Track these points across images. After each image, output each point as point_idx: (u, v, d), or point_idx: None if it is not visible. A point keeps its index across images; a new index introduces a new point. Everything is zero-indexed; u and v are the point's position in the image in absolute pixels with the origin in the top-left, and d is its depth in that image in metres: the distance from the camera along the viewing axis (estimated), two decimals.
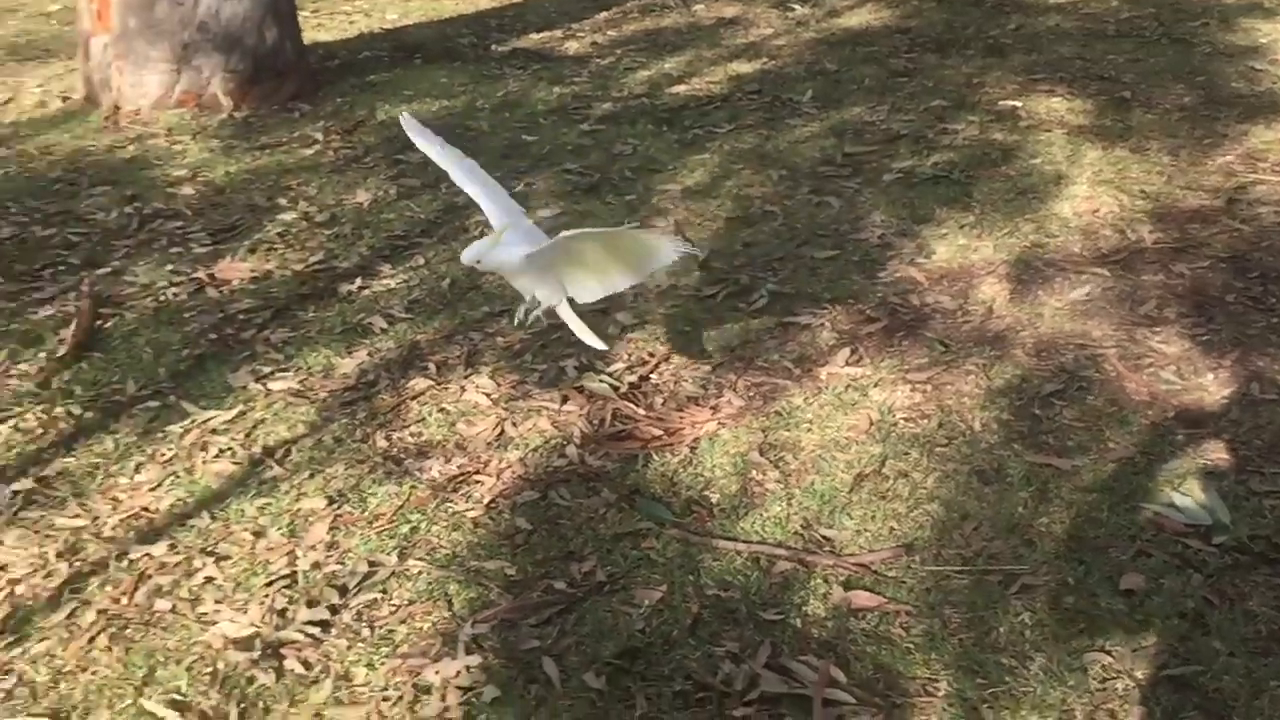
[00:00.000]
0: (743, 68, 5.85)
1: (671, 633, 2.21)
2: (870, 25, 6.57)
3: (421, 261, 3.80)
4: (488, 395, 3.01)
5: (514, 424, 2.89)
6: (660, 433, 2.83)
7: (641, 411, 2.92)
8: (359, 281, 3.66)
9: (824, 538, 2.46)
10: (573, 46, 6.42)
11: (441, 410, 2.96)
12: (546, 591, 2.33)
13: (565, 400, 2.97)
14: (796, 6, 7.01)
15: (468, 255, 2.69)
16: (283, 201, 4.33)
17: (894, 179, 4.31)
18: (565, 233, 2.50)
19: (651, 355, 3.17)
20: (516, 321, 2.84)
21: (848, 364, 3.10)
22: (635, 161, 4.63)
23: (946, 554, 2.40)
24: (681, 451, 2.76)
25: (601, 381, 3.03)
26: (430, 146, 3.01)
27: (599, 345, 2.85)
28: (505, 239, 2.67)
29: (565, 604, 2.29)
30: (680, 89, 5.55)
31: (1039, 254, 3.67)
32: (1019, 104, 5.04)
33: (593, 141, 4.87)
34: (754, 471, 2.68)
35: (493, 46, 6.43)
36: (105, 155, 4.82)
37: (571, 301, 2.77)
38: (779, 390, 2.99)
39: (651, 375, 3.08)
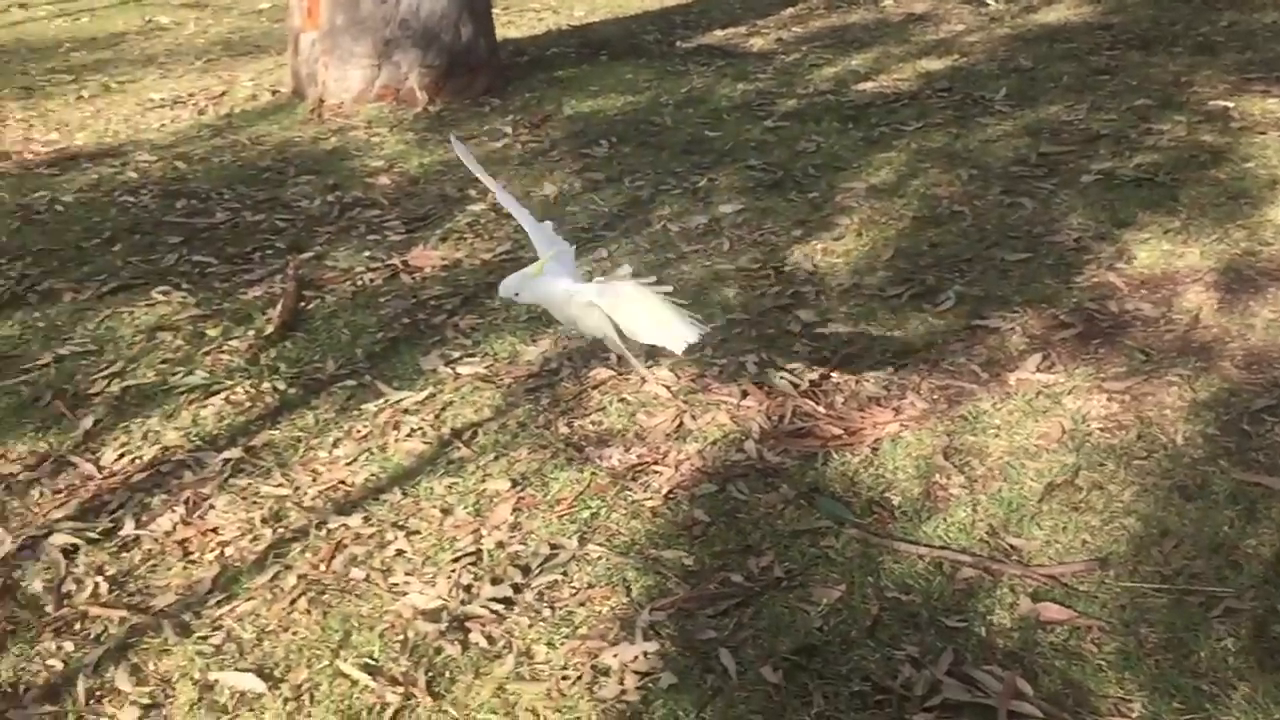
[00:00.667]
0: (932, 64, 5.73)
1: (850, 632, 2.18)
2: (1069, 21, 6.33)
3: (604, 254, 3.86)
4: (667, 387, 3.03)
5: (693, 417, 2.90)
6: (840, 432, 2.80)
7: (822, 410, 2.89)
8: None
9: (1011, 546, 2.38)
10: (757, 43, 6.41)
11: (622, 400, 3.00)
12: (724, 584, 2.33)
13: (744, 395, 2.97)
14: (990, 2, 6.81)
15: (506, 286, 2.68)
16: (472, 193, 4.46)
17: (1093, 180, 4.14)
18: (602, 279, 2.50)
19: (833, 353, 3.14)
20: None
21: (1039, 370, 2.99)
22: (819, 159, 4.59)
23: (1144, 571, 2.29)
24: (862, 451, 2.72)
25: (781, 378, 3.02)
26: (479, 170, 3.02)
27: (645, 374, 2.87)
28: (548, 270, 2.63)
29: (742, 597, 2.28)
30: (867, 86, 5.48)
31: (1251, 262, 3.46)
32: (1230, 104, 4.77)
33: (776, 138, 4.85)
34: (938, 475, 2.62)
35: (677, 43, 6.48)
36: (310, 146, 5.08)
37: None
38: (965, 394, 2.92)
39: (832, 374, 3.04)
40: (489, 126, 5.20)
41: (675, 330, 2.56)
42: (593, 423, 2.91)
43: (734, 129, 4.99)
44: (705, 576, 2.36)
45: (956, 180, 4.26)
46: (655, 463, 2.74)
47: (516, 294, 2.72)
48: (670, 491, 2.63)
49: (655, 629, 2.22)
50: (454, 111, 5.41)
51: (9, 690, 2.14)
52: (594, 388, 3.06)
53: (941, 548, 2.39)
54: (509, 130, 5.12)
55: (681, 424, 2.88)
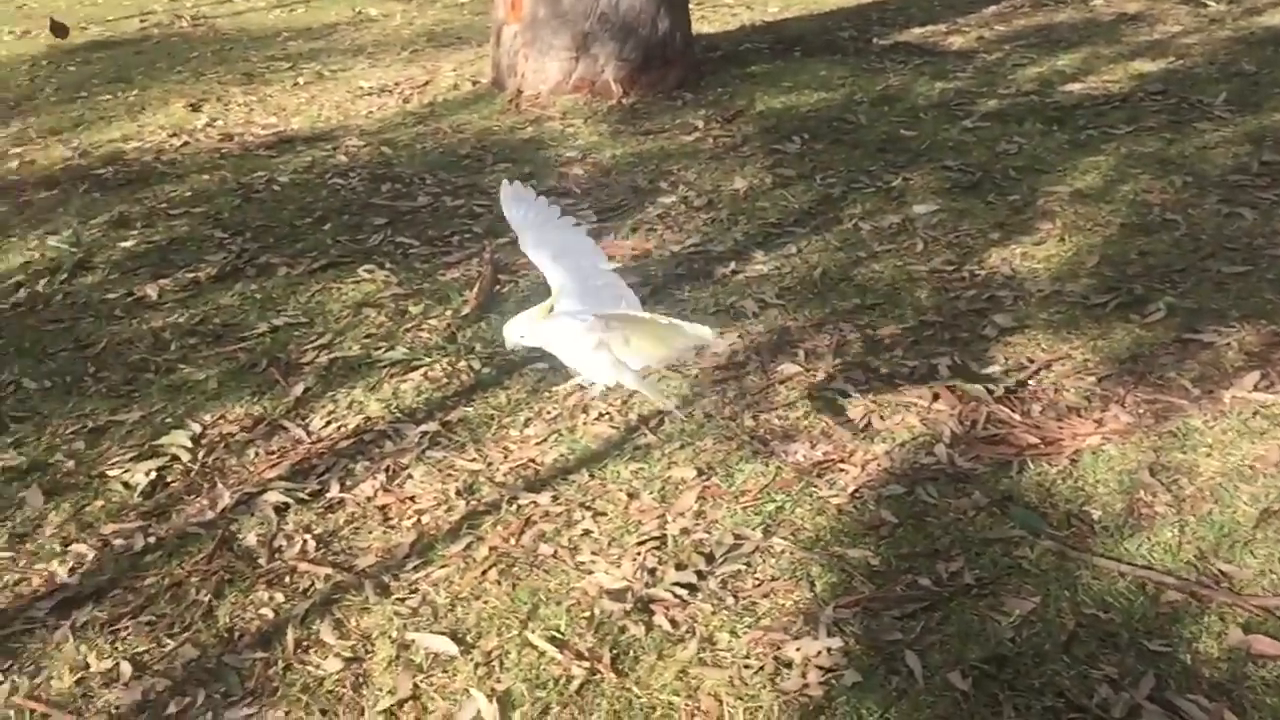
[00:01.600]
0: (1146, 66, 5.47)
1: (1044, 646, 2.11)
2: None
3: (794, 250, 3.84)
4: (856, 386, 2.99)
5: (881, 417, 2.86)
6: (1037, 441, 2.71)
7: (1017, 417, 2.80)
8: (733, 265, 3.75)
9: (1221, 573, 2.26)
10: (957, 41, 6.25)
11: (809, 397, 2.98)
12: (911, 586, 2.29)
13: (936, 398, 2.90)
14: (1210, 3, 6.46)
15: (512, 329, 2.45)
16: (664, 185, 4.50)
17: None
18: (601, 314, 2.37)
19: (1031, 361, 3.04)
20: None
21: (1257, 389, 2.82)
22: (1020, 161, 4.44)
23: None
24: (1060, 463, 2.62)
25: (976, 384, 2.94)
26: (511, 213, 2.91)
27: (671, 409, 2.79)
28: (559, 310, 2.45)
29: (930, 601, 2.24)
30: (1074, 87, 5.27)
31: None
32: None
33: (975, 139, 4.72)
34: (1142, 492, 2.50)
35: (873, 40, 6.37)
36: (507, 135, 5.22)
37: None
38: (1174, 409, 2.78)
39: (1030, 381, 2.95)
40: (681, 120, 5.23)
41: (693, 333, 2.29)
42: (779, 417, 2.91)
43: (931, 128, 4.89)
44: (891, 577, 2.32)
45: (1170, 187, 4.06)
46: (841, 461, 2.71)
47: (522, 336, 2.47)
48: (856, 490, 2.60)
49: (839, 626, 2.20)
50: (648, 104, 5.47)
51: (225, 635, 2.29)
52: (781, 383, 3.05)
53: (1145, 567, 2.28)
54: (701, 124, 5.14)
55: (869, 424, 2.84)
